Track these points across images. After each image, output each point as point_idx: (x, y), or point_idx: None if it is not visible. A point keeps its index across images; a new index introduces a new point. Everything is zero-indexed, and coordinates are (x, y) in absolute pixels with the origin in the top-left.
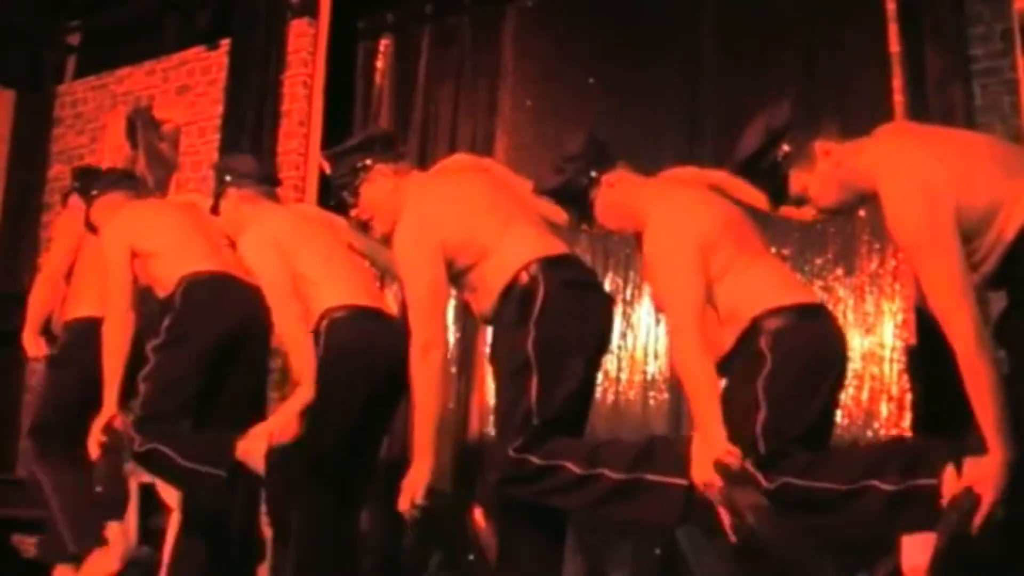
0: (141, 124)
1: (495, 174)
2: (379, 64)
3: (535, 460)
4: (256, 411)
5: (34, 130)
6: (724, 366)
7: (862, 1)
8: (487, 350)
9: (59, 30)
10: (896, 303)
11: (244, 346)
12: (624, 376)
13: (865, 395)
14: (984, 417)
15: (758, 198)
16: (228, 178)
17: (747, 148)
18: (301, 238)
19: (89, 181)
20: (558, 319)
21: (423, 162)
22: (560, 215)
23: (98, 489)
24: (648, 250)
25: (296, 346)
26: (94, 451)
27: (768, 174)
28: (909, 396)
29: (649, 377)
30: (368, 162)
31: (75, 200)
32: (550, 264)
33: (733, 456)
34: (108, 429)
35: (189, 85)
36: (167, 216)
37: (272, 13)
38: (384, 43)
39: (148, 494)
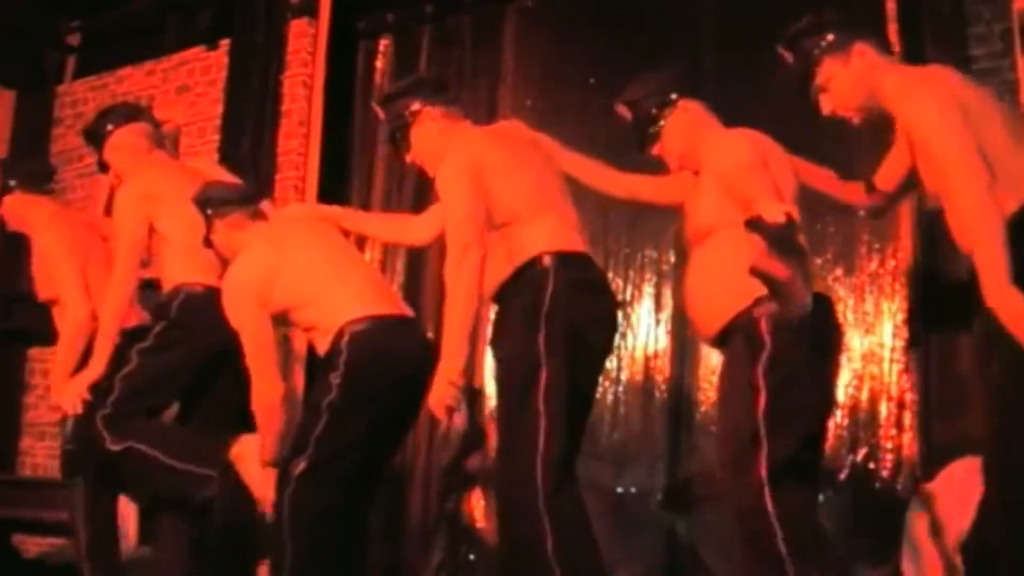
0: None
1: (546, 151)
2: (379, 64)
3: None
4: (238, 424)
5: (34, 130)
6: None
7: (862, 1)
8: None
9: (59, 30)
10: (896, 303)
11: (232, 360)
12: (624, 376)
13: (865, 395)
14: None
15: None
16: (209, 211)
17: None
18: (301, 254)
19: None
20: (567, 317)
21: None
22: (591, 172)
23: (68, 448)
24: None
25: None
26: (74, 407)
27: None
28: (909, 396)
29: (648, 377)
30: (416, 106)
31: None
32: (566, 260)
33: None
34: (93, 388)
35: (189, 85)
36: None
37: (272, 13)
38: (384, 43)
39: None
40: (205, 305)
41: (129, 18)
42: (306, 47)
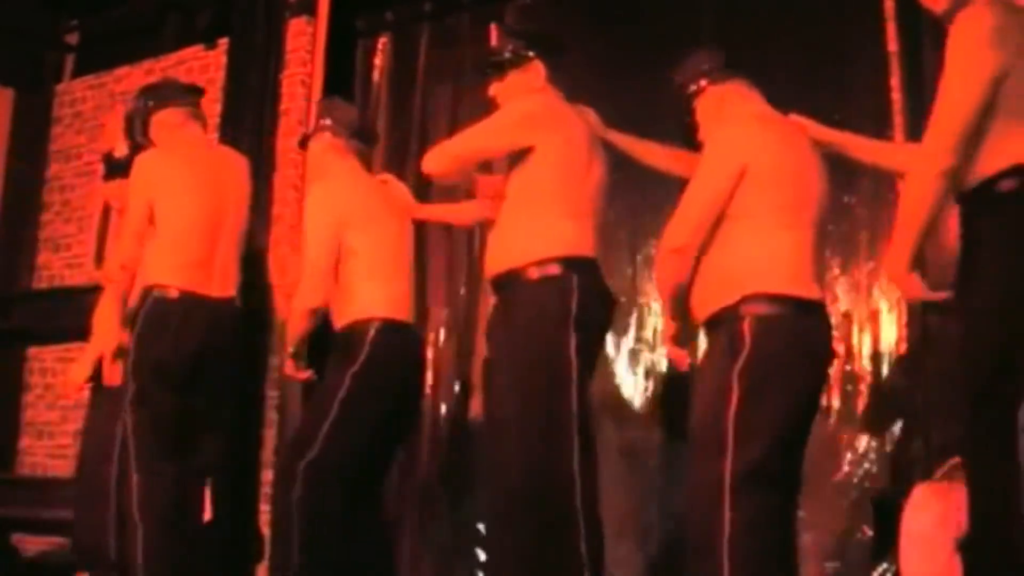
0: (140, 123)
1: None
2: (378, 62)
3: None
4: (221, 434)
5: (33, 129)
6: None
7: (860, 0)
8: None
9: (58, 29)
10: (895, 301)
11: (205, 369)
12: (624, 372)
13: (865, 395)
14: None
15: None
16: (327, 121)
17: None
18: (370, 221)
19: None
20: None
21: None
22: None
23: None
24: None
25: (293, 324)
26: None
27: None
28: (907, 396)
29: (650, 374)
30: (531, 54)
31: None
32: (585, 266)
33: None
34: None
35: None
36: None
37: (270, 12)
38: (383, 41)
39: None
40: (170, 308)
41: (128, 17)
42: (305, 46)
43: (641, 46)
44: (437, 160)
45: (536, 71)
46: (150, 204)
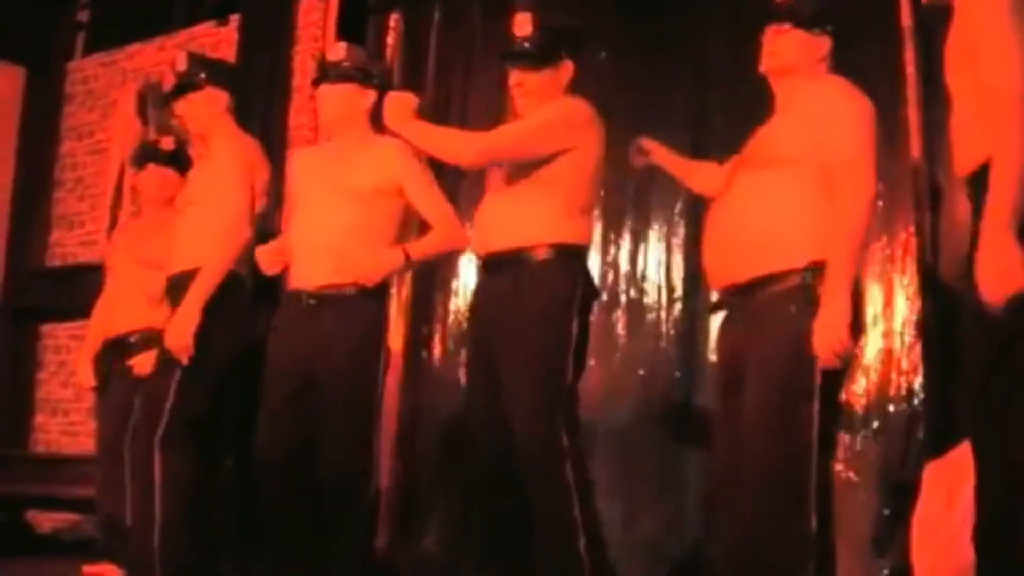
0: (152, 100)
1: None
2: (389, 39)
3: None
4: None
5: (45, 107)
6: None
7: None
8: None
9: (69, 7)
10: (905, 282)
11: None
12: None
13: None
14: None
15: None
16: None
17: None
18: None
19: None
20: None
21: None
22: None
23: None
24: None
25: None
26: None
27: None
28: (918, 381)
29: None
30: (563, 54)
31: None
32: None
33: None
34: None
35: None
36: None
37: None
38: (394, 18)
39: None
40: None
41: None
42: (316, 22)
43: (652, 19)
44: (481, 157)
45: (567, 69)
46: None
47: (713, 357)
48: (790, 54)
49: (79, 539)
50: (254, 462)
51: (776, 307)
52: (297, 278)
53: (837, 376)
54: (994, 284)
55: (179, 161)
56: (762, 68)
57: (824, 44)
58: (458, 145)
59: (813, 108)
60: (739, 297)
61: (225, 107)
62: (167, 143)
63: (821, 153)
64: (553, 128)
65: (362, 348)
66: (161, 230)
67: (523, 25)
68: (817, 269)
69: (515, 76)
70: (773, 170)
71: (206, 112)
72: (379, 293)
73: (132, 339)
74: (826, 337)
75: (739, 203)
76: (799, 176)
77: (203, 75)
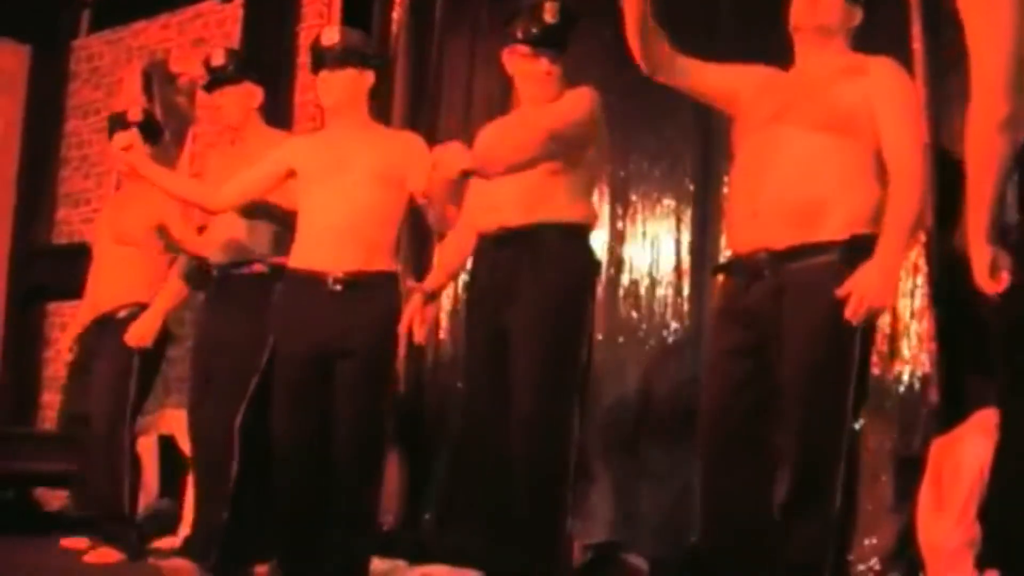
0: (157, 78)
1: None
2: (395, 15)
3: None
4: None
5: (50, 85)
6: None
7: None
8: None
9: None
10: (914, 258)
11: None
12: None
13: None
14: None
15: None
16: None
17: None
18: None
19: None
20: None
21: (439, 113)
22: None
23: None
24: None
25: None
26: None
27: None
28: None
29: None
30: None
31: None
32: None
33: None
34: None
35: (204, 38)
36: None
37: None
38: None
39: (167, 446)
40: None
41: None
42: None
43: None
44: (517, 157)
45: (565, 59)
46: None
47: None
48: (833, 16)
49: (85, 516)
50: (272, 445)
51: (816, 279)
52: (315, 260)
53: (867, 354)
54: (984, 283)
55: (148, 131)
56: (795, 22)
57: (857, 16)
58: (530, 133)
59: (882, 85)
60: (771, 263)
61: (260, 102)
62: (134, 113)
63: (881, 130)
64: (584, 115)
65: (385, 331)
66: (134, 203)
67: (553, 12)
68: (857, 244)
69: (537, 63)
70: (828, 135)
71: (242, 106)
72: (397, 276)
73: (120, 315)
74: (865, 283)
75: (786, 164)
76: (855, 148)
77: (241, 70)
